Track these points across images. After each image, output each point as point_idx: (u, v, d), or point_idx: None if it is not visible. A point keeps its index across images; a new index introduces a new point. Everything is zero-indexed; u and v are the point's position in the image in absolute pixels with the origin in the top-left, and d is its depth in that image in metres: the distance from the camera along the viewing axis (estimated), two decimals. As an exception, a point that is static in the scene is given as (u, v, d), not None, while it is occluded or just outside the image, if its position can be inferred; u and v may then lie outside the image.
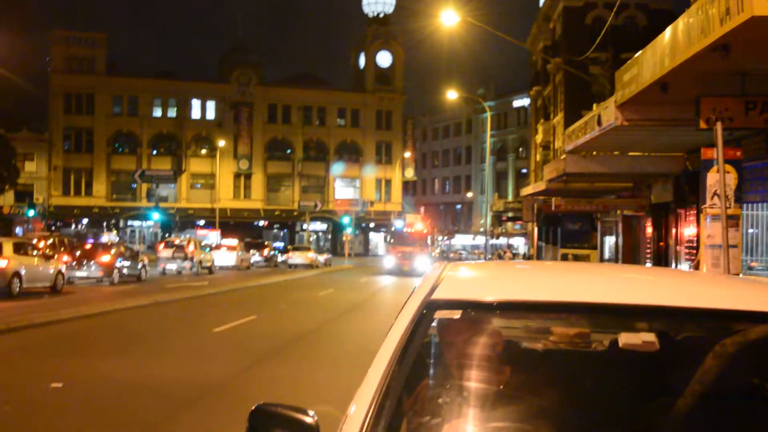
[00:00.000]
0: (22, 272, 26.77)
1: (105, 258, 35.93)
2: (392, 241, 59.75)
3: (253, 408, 2.69)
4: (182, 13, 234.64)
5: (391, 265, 55.49)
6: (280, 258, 65.68)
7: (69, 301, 25.59)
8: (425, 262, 52.21)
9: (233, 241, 59.87)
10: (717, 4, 10.25)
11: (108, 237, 68.54)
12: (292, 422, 2.61)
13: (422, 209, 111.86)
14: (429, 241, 60.22)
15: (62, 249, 38.90)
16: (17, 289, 26.31)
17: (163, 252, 48.19)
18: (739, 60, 11.49)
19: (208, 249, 53.45)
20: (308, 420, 2.61)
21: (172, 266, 46.82)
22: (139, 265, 39.40)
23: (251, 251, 63.20)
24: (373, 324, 21.65)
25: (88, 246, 39.54)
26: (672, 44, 12.32)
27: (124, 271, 37.18)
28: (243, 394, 10.95)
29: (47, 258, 29.92)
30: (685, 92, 12.79)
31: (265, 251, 66.62)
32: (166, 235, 71.71)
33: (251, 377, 12.54)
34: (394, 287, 39.62)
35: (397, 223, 65.42)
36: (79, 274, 35.31)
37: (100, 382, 11.82)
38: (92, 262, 35.63)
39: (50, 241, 40.20)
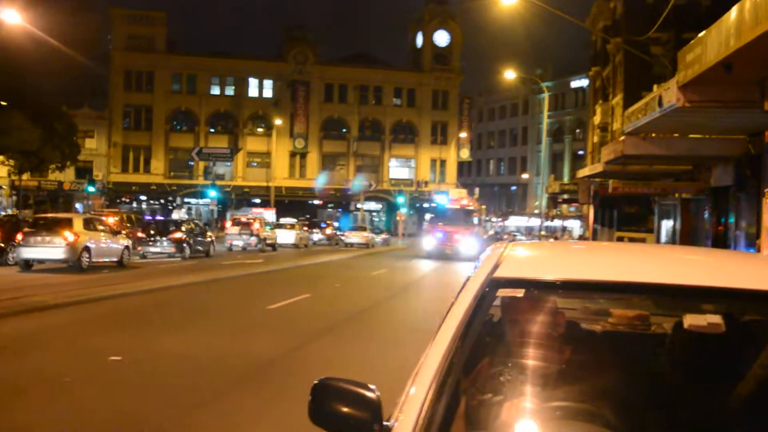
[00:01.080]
0: (92, 247, 28.29)
1: (177, 234, 38.85)
2: (432, 218, 52.41)
3: (316, 382, 2.69)
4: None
5: (431, 247, 48.30)
6: (346, 239, 66.79)
7: (133, 276, 26.58)
8: (471, 244, 45.56)
9: (292, 221, 63.38)
10: (786, -19, 10.00)
11: (178, 214, 72.52)
12: (355, 396, 2.61)
13: (476, 190, 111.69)
14: (476, 221, 52.00)
15: (129, 225, 42.33)
16: (86, 263, 27.78)
17: (231, 229, 51.58)
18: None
19: (270, 227, 55.74)
20: (370, 395, 2.60)
21: (238, 242, 49.98)
22: (208, 241, 42.32)
23: (314, 230, 67.98)
24: (422, 304, 21.76)
25: (161, 222, 43.89)
26: (738, 23, 12.05)
27: (195, 246, 39.74)
28: (295, 370, 11.06)
29: (114, 233, 31.76)
30: (750, 73, 12.55)
31: (328, 230, 70.15)
32: (227, 213, 73.64)
33: (303, 354, 12.65)
34: (442, 271, 37.40)
35: (439, 199, 57.10)
36: (152, 249, 38.09)
37: (158, 355, 12.02)
38: (165, 238, 38.47)
39: (116, 217, 42.74)
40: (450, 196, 54.34)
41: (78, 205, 76.84)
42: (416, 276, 33.77)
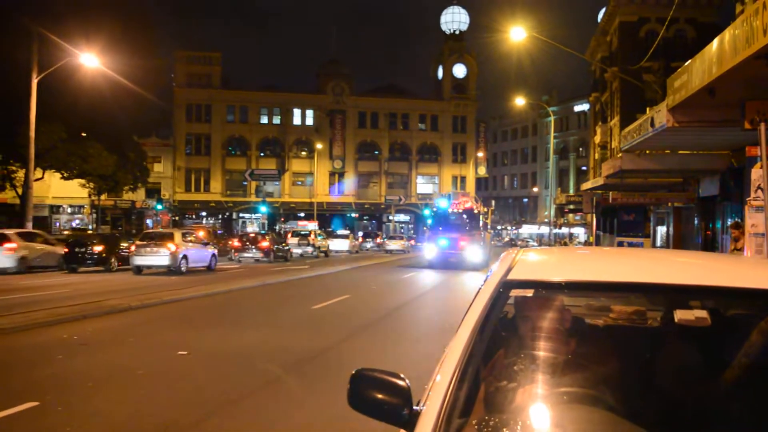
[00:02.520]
0: (189, 255, 31.74)
1: (264, 243, 45.26)
2: (433, 224, 41.82)
3: (354, 372, 2.71)
4: (283, 31, 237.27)
5: (432, 255, 39.77)
6: (387, 246, 71.20)
7: (215, 279, 28.59)
8: (477, 251, 38.29)
9: (346, 232, 70.87)
10: (761, 16, 9.95)
11: (253, 228, 78.90)
12: (388, 385, 2.63)
13: (492, 203, 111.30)
14: (482, 226, 40.88)
15: (213, 237, 48.37)
16: (184, 268, 31.09)
17: (291, 239, 54.62)
18: (781, 66, 11.10)
19: (322, 237, 59.82)
20: (401, 383, 2.62)
21: (297, 250, 52.98)
22: (286, 248, 48.03)
23: (367, 239, 77.58)
24: (444, 303, 21.66)
25: (251, 234, 50.82)
26: (719, 53, 11.97)
27: (277, 253, 45.73)
28: (337, 362, 11.07)
29: (205, 244, 35.88)
30: (731, 96, 12.44)
31: (378, 239, 77.77)
32: (276, 225, 74.96)
33: (344, 348, 12.65)
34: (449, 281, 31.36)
35: (440, 203, 43.38)
36: (245, 255, 44.52)
37: (218, 349, 12.08)
38: (254, 246, 44.82)
39: (204, 231, 47.70)
40: (452, 200, 42.23)
41: (148, 221, 77.60)
42: (441, 278, 33.55)
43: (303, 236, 56.24)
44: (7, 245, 29.10)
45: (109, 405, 8.35)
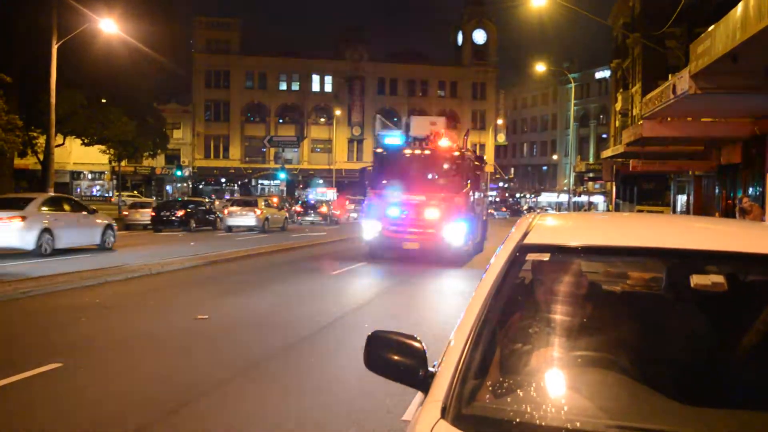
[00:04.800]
0: (269, 218, 39.84)
1: (323, 209, 56.05)
2: (376, 178, 22.93)
3: (371, 334, 2.73)
4: None
5: (373, 236, 22.31)
6: None
7: (284, 237, 35.15)
8: (460, 232, 21.31)
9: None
10: (786, -20, 9.78)
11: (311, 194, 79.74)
12: (403, 346, 2.65)
13: (512, 170, 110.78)
14: (470, 184, 22.58)
15: (286, 204, 56.66)
16: (267, 228, 38.93)
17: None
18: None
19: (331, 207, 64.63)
20: (416, 345, 2.65)
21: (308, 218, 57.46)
22: (337, 213, 58.45)
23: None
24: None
25: (312, 202, 60.97)
26: (743, 19, 11.79)
27: (332, 218, 55.52)
28: (353, 325, 11.17)
29: (279, 209, 43.88)
30: (754, 62, 12.31)
31: None
32: (294, 191, 75.29)
33: (362, 311, 12.73)
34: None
35: (389, 139, 25.04)
36: (307, 218, 54.44)
37: (238, 315, 12.23)
38: (313, 211, 55.35)
39: (276, 198, 55.23)
40: (413, 132, 24.16)
41: (168, 187, 77.91)
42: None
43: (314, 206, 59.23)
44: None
45: (138, 364, 8.50)
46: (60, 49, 27.47)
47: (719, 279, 3.11)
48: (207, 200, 52.10)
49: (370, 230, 22.21)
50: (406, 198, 21.29)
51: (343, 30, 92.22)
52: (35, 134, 38.39)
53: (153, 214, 38.60)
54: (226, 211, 39.48)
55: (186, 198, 54.27)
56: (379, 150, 23.54)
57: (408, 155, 22.51)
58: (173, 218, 37.94)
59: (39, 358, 8.38)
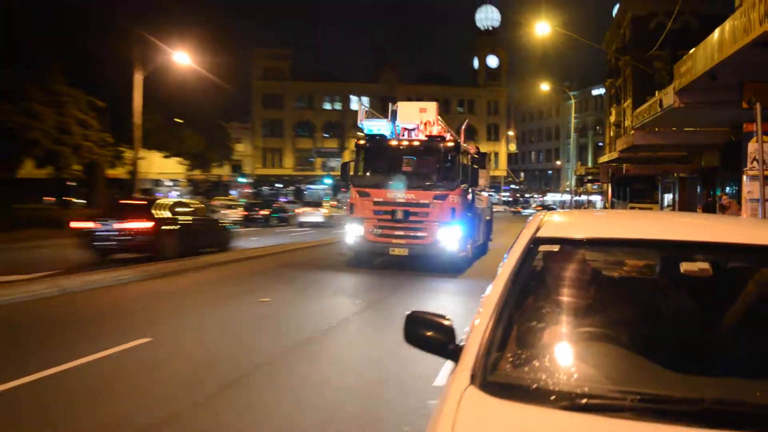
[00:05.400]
0: (334, 215, 41.29)
1: None
2: (361, 177, 17.26)
3: (408, 313, 2.80)
4: (343, 26, 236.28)
5: (355, 240, 16.98)
6: None
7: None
8: (456, 235, 16.32)
9: None
10: (757, 9, 9.66)
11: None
12: (435, 324, 2.72)
13: (522, 174, 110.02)
14: (468, 180, 17.01)
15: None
16: (333, 224, 39.00)
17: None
18: (776, 53, 10.75)
19: None
20: (446, 323, 2.72)
21: None
22: None
23: None
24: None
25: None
26: (720, 42, 11.63)
27: None
28: (393, 307, 11.19)
29: (339, 208, 43.94)
30: (730, 80, 12.11)
31: None
32: (338, 194, 75.56)
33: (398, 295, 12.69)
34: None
35: (375, 124, 17.96)
36: None
37: (297, 299, 12.23)
38: None
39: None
40: (399, 120, 17.49)
41: (233, 192, 78.67)
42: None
43: None
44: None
45: (214, 340, 8.60)
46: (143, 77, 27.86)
47: (705, 266, 3.10)
48: (282, 201, 54.18)
49: (352, 234, 16.78)
50: (393, 196, 16.27)
51: (376, 58, 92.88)
52: (123, 149, 39.03)
53: (245, 213, 41.78)
54: (298, 211, 42.23)
55: (262, 199, 56.46)
56: (361, 141, 17.34)
57: (395, 147, 16.87)
58: (259, 216, 41.51)
59: (134, 333, 8.53)
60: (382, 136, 17.15)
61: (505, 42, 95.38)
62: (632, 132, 26.67)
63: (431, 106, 17.42)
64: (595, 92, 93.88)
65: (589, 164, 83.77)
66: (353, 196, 16.91)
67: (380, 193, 16.40)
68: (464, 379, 2.37)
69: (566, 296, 2.99)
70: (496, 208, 39.14)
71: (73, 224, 17.79)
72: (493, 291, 2.79)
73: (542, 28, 31.14)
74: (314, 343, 8.44)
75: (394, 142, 16.91)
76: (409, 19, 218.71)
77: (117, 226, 16.69)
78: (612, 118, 62.67)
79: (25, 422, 5.47)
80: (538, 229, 3.12)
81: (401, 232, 16.27)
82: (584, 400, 2.20)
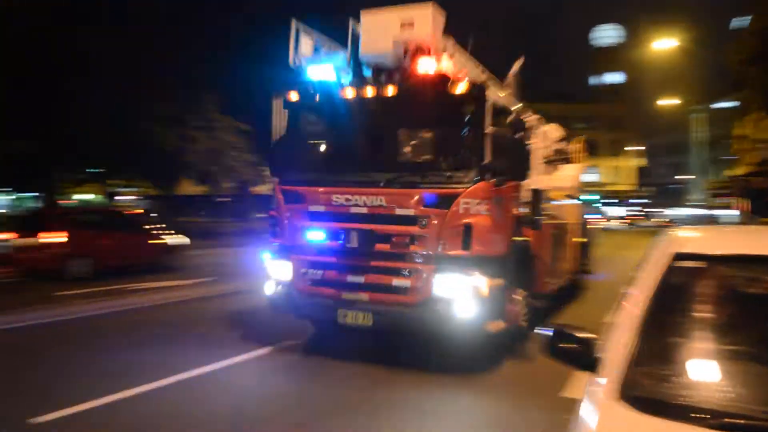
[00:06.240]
0: None
1: None
2: (293, 164, 7.79)
3: (555, 327, 2.83)
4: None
5: (279, 294, 7.58)
6: None
7: None
8: (474, 293, 6.49)
9: None
10: None
11: None
12: (579, 338, 2.73)
13: (655, 189, 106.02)
14: (505, 160, 6.69)
15: None
16: None
17: None
18: None
19: None
20: (587, 336, 2.73)
21: None
22: None
23: None
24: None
25: None
26: None
27: None
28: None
29: None
30: None
31: None
32: None
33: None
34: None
35: (317, 73, 7.36)
36: None
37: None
38: None
39: None
40: (364, 49, 7.23)
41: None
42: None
43: None
44: None
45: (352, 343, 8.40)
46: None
47: None
48: None
49: (273, 275, 7.84)
50: (344, 201, 7.23)
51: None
52: (264, 168, 41.39)
53: None
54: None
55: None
56: (294, 97, 8.02)
57: (354, 104, 7.50)
58: None
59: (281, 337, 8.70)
60: (329, 85, 7.64)
61: (626, 61, 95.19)
62: (759, 145, 24.99)
63: (424, 13, 7.15)
64: (717, 105, 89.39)
65: (717, 177, 79.41)
66: (278, 203, 7.92)
67: (322, 196, 7.44)
68: (607, 392, 2.35)
69: (707, 313, 2.86)
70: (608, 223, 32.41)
71: None
72: (633, 304, 2.73)
73: (667, 43, 29.88)
74: None
75: (350, 94, 7.48)
76: (531, 41, 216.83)
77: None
78: (738, 131, 58.85)
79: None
80: (676, 244, 3.03)
81: (359, 277, 7.20)
82: (730, 420, 2.12)
